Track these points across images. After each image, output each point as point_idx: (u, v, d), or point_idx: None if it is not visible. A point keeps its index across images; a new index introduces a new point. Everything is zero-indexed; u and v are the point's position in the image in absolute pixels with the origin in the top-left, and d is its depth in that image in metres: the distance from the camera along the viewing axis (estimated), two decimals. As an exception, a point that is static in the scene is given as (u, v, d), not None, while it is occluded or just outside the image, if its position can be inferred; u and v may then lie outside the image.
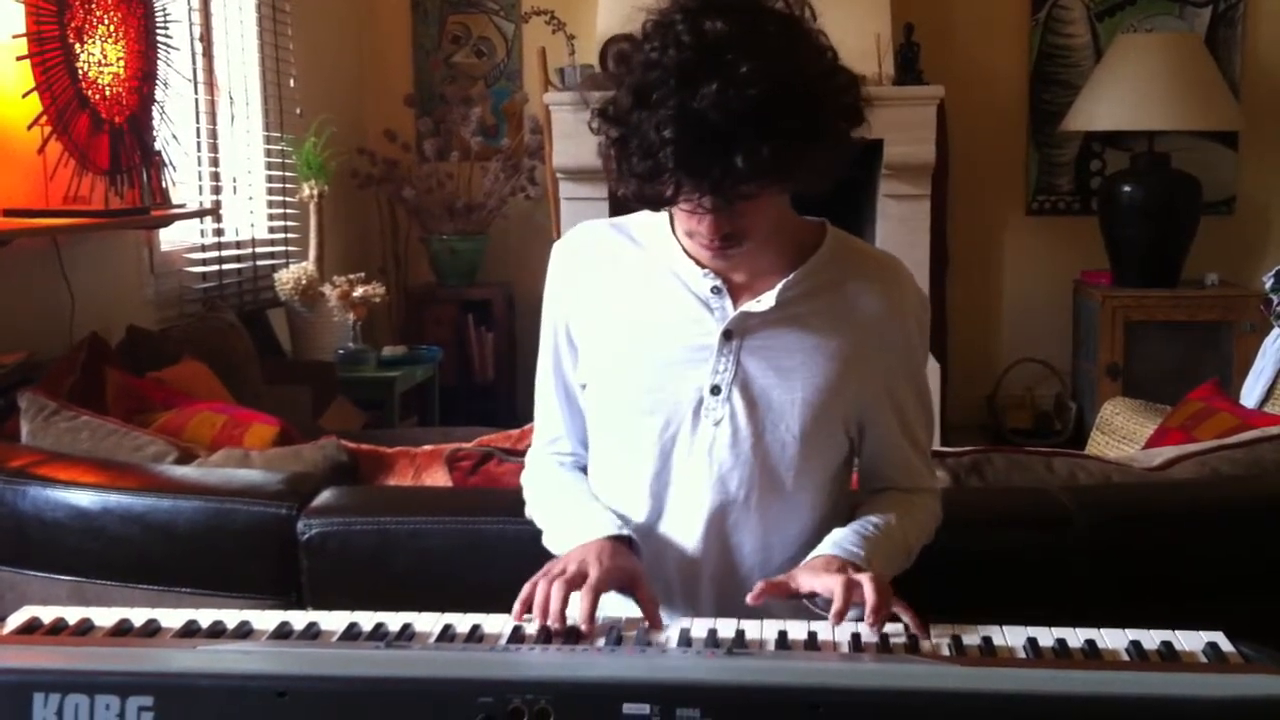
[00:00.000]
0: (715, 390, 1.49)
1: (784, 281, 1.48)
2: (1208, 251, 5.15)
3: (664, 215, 1.51)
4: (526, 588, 1.41)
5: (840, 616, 1.34)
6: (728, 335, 1.49)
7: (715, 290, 1.49)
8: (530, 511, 1.66)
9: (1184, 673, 1.23)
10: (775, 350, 1.49)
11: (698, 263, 1.49)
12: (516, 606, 1.40)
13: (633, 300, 1.53)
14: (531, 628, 1.37)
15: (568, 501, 1.60)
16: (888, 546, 1.49)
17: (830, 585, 1.37)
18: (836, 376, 1.49)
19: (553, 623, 1.35)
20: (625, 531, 1.50)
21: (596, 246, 1.58)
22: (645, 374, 1.51)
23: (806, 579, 1.41)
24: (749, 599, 1.38)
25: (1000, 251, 5.57)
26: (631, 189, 1.37)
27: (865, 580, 1.37)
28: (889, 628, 1.37)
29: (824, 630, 1.36)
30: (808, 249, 1.52)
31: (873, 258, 1.58)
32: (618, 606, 1.45)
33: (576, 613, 1.36)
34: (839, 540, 1.47)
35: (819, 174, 1.38)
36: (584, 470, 1.65)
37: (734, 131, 1.27)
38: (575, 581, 1.39)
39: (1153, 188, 5.01)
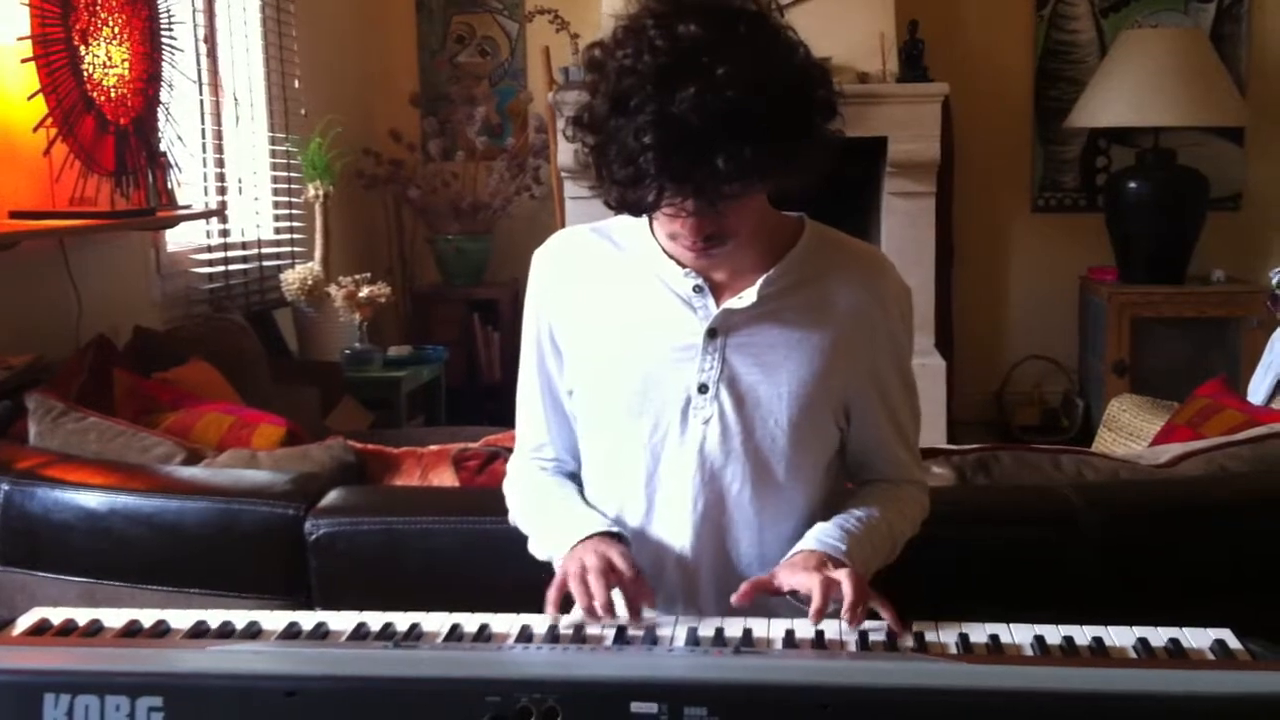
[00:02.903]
0: (703, 389, 1.50)
1: (764, 277, 1.48)
2: (1214, 247, 5.14)
3: (643, 217, 1.50)
4: (552, 591, 1.41)
5: (819, 616, 1.35)
6: (712, 333, 1.49)
7: (697, 289, 1.49)
8: (514, 519, 1.66)
9: (1191, 670, 1.24)
10: (759, 346, 1.50)
11: (678, 263, 1.50)
12: (550, 609, 1.40)
13: (616, 304, 1.54)
14: (540, 627, 1.38)
15: (553, 504, 1.59)
16: (871, 540, 1.49)
17: (808, 584, 1.38)
18: (821, 368, 1.50)
19: (604, 613, 1.36)
20: (615, 528, 1.50)
21: (578, 252, 1.58)
22: (632, 376, 1.52)
23: (787, 576, 1.42)
24: (734, 599, 1.39)
25: (1006, 249, 5.57)
26: (614, 196, 1.37)
27: (843, 577, 1.38)
28: (870, 624, 1.37)
29: (831, 629, 1.36)
30: (787, 244, 1.52)
31: (853, 249, 1.58)
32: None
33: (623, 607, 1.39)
34: (821, 534, 1.48)
35: (801, 171, 1.38)
36: (568, 477, 1.65)
37: (714, 134, 1.27)
38: (605, 572, 1.39)
39: (1159, 184, 5.00)
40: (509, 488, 1.68)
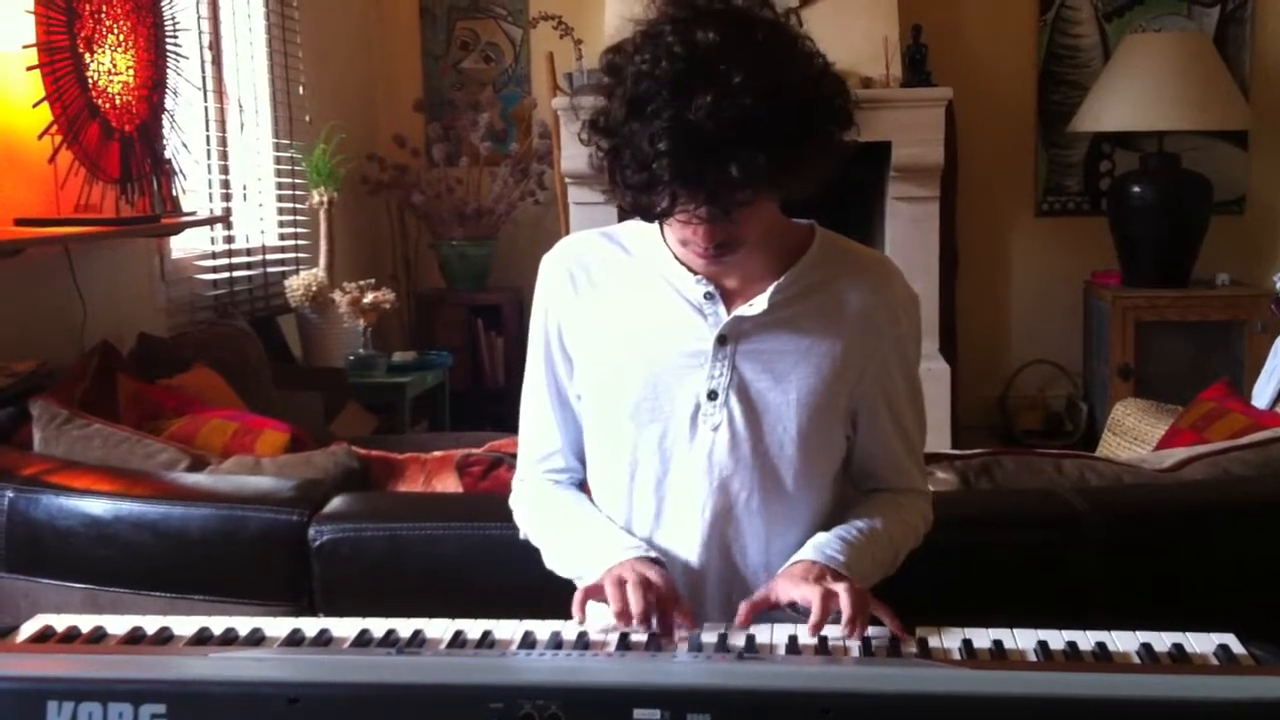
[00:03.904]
0: (712, 395, 1.49)
1: (775, 284, 1.48)
2: (1218, 251, 5.13)
3: (654, 224, 1.50)
4: (580, 595, 1.41)
5: (817, 629, 1.35)
6: (722, 340, 1.49)
7: (708, 296, 1.49)
8: (528, 534, 1.63)
9: (1195, 675, 1.23)
10: (769, 353, 1.50)
11: (689, 269, 1.49)
12: (578, 613, 1.39)
13: (626, 309, 1.53)
14: (543, 633, 1.38)
15: (579, 524, 1.57)
16: (872, 552, 1.49)
17: (808, 596, 1.38)
18: (830, 376, 1.50)
19: (638, 622, 1.35)
20: (652, 553, 1.49)
21: (587, 257, 1.58)
22: (641, 383, 1.51)
23: (785, 588, 1.42)
24: (735, 623, 1.38)
25: (1010, 253, 5.56)
26: (628, 200, 1.37)
27: (842, 590, 1.37)
28: (873, 630, 1.37)
29: (834, 634, 1.36)
30: (797, 251, 1.52)
31: (861, 257, 1.58)
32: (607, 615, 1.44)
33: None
34: (820, 544, 1.47)
35: (813, 179, 1.38)
36: (580, 487, 1.64)
37: (729, 141, 1.28)
38: (643, 585, 1.38)
39: (1162, 188, 4.99)
40: (517, 504, 1.66)
